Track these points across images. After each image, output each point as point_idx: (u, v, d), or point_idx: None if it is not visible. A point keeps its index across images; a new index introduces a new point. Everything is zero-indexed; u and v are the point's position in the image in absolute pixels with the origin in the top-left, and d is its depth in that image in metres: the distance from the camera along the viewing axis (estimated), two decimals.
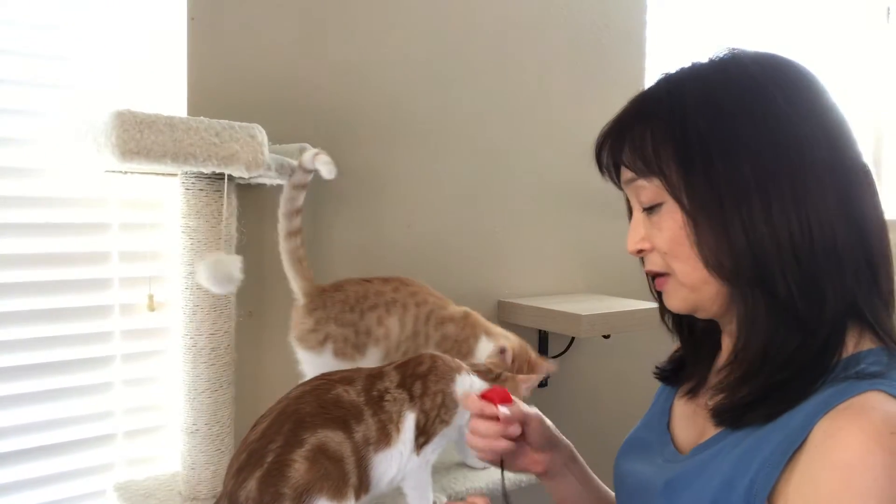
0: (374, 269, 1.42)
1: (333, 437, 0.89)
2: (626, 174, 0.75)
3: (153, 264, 1.20)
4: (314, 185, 1.30)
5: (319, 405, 0.92)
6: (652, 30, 1.87)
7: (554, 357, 1.69)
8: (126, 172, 1.12)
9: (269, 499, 0.85)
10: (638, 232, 0.76)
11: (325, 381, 0.95)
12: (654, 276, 0.78)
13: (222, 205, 1.07)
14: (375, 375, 0.96)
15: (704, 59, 0.73)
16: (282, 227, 1.15)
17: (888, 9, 2.54)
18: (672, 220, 0.71)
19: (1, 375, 1.09)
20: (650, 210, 0.74)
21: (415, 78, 1.46)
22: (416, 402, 0.94)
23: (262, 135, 1.00)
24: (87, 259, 1.15)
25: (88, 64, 1.14)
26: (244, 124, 0.99)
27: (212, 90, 1.22)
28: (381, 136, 1.42)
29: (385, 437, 0.92)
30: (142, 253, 1.19)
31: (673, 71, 0.75)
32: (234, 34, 1.24)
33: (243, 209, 1.21)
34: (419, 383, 0.96)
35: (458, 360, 1.01)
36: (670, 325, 0.87)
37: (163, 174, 1.14)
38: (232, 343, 1.12)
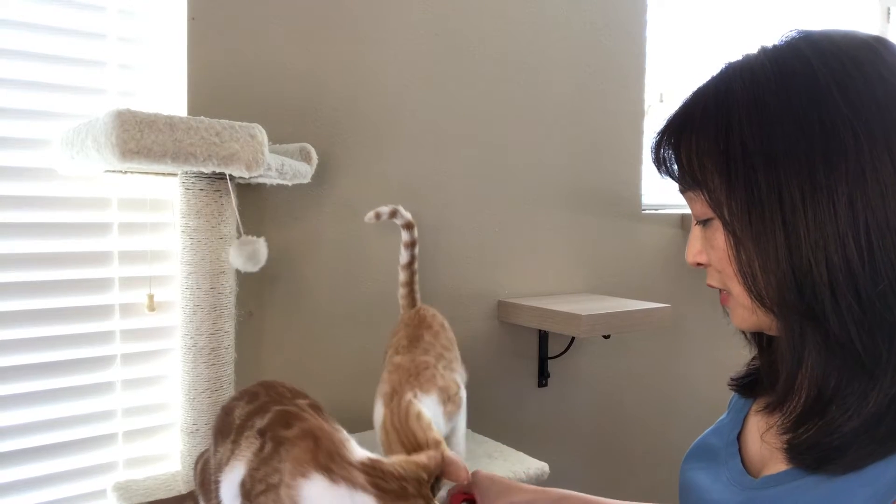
0: (375, 268, 1.42)
1: (211, 447, 0.83)
2: (678, 181, 0.69)
3: (153, 264, 1.20)
4: (314, 185, 1.30)
5: (224, 407, 0.84)
6: (652, 30, 1.87)
7: (554, 357, 1.69)
8: (126, 172, 1.12)
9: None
10: (694, 245, 0.70)
11: (250, 389, 0.84)
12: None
13: (225, 204, 1.07)
14: (264, 409, 0.77)
15: (768, 45, 0.65)
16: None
17: (888, 9, 2.54)
18: (720, 238, 0.64)
19: (1, 375, 1.09)
20: (704, 223, 0.67)
21: (415, 78, 1.46)
22: (253, 461, 0.71)
23: (262, 135, 1.00)
24: (88, 259, 1.15)
25: (88, 64, 1.14)
26: (244, 124, 0.99)
27: (212, 90, 1.22)
28: (381, 135, 1.42)
29: (219, 473, 0.77)
30: (142, 253, 1.19)
31: (734, 59, 0.66)
32: (234, 34, 1.24)
33: (243, 209, 1.21)
34: (271, 444, 0.71)
35: (339, 458, 0.69)
36: (747, 335, 0.78)
37: (163, 174, 1.14)
38: (232, 343, 1.12)
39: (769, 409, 0.72)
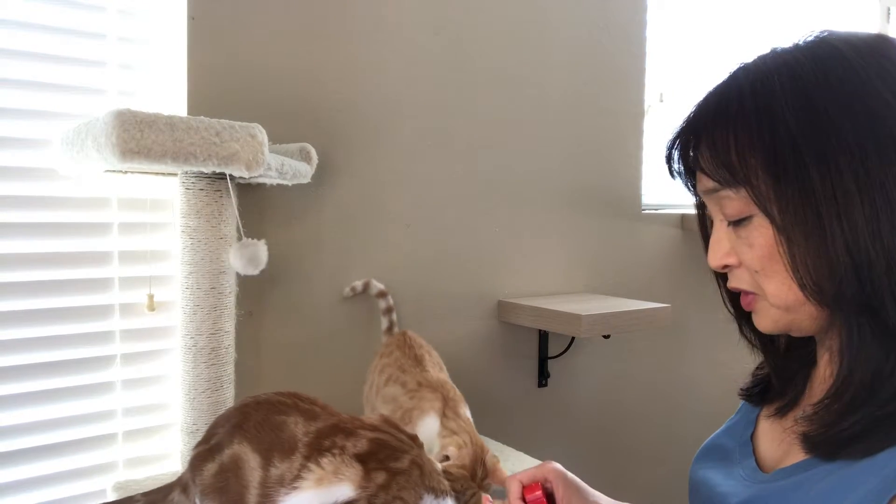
0: (375, 269, 1.42)
1: (250, 460, 0.83)
2: (707, 183, 0.67)
3: (153, 264, 1.20)
4: (314, 186, 1.30)
5: (264, 419, 0.85)
6: (652, 30, 1.87)
7: (554, 357, 1.69)
8: (126, 172, 1.12)
9: (193, 483, 0.88)
10: (722, 246, 0.68)
11: (288, 401, 0.88)
12: (738, 293, 0.71)
13: (225, 204, 1.07)
14: (344, 430, 0.82)
15: (787, 44, 0.65)
16: None
17: (888, 9, 2.54)
18: (763, 236, 0.63)
19: (1, 375, 1.09)
20: (737, 223, 0.66)
21: (415, 78, 1.46)
22: (368, 488, 0.77)
23: (262, 134, 1.00)
24: (88, 259, 1.15)
25: (88, 64, 1.14)
26: (244, 124, 0.99)
27: (212, 90, 1.22)
28: (381, 135, 1.42)
29: (290, 487, 0.79)
30: (142, 253, 1.19)
31: (750, 60, 0.66)
32: (234, 34, 1.24)
33: (243, 209, 1.21)
34: (383, 474, 0.78)
35: (435, 474, 0.82)
36: (753, 341, 0.78)
37: (163, 174, 1.14)
38: (232, 343, 1.12)
39: (780, 413, 0.73)
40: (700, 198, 0.72)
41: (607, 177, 1.80)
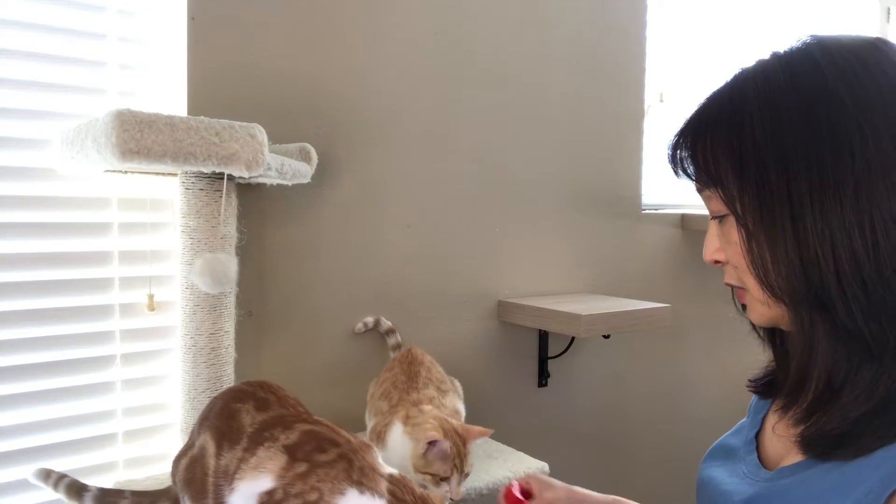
0: (375, 268, 1.42)
1: (209, 447, 0.84)
2: (696, 179, 0.72)
3: (153, 264, 1.20)
4: (314, 185, 1.30)
5: (224, 406, 0.87)
6: (652, 30, 1.87)
7: (554, 357, 1.69)
8: (126, 172, 1.12)
9: (174, 482, 0.89)
10: (712, 243, 0.72)
11: (249, 389, 0.89)
12: (734, 287, 0.74)
13: (221, 204, 1.07)
14: (284, 422, 0.82)
15: (780, 50, 0.68)
16: None
17: (888, 9, 2.54)
18: (735, 234, 0.67)
19: (1, 375, 1.09)
20: (720, 220, 0.71)
21: (415, 78, 1.46)
22: (285, 477, 0.77)
23: (262, 134, 1.00)
24: (88, 259, 1.15)
25: (88, 64, 1.14)
26: (244, 124, 0.99)
27: (212, 90, 1.22)
28: (381, 135, 1.42)
29: (232, 479, 0.80)
30: (142, 253, 1.19)
31: (748, 65, 0.69)
32: (234, 34, 1.24)
33: (243, 209, 1.21)
34: (305, 465, 0.77)
35: (371, 472, 0.78)
36: (761, 335, 0.80)
37: (163, 174, 1.14)
38: (232, 343, 1.12)
39: (785, 409, 0.73)
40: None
41: (607, 177, 1.80)
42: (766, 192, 0.63)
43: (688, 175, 0.74)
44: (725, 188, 0.66)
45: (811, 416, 0.64)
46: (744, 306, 0.74)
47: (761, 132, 0.63)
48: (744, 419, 0.87)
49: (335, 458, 0.78)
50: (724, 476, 0.78)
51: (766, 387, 0.81)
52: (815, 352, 0.63)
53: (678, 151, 0.73)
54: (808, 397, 0.65)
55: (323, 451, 0.79)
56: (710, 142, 0.68)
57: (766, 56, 0.69)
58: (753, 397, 0.87)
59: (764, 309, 0.69)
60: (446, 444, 1.01)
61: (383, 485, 0.77)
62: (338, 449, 0.79)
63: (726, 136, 0.66)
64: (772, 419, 0.79)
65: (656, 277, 1.91)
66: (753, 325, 0.79)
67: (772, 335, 0.79)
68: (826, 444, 0.63)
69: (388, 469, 0.81)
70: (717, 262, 0.73)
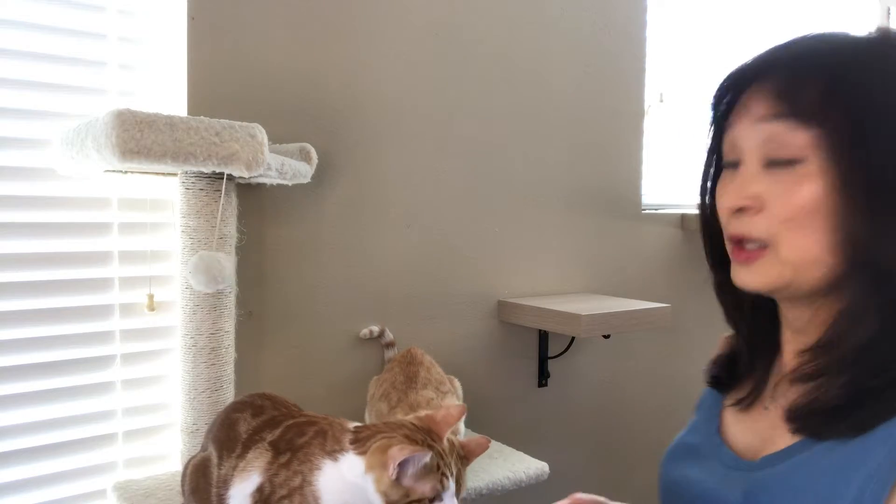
0: (375, 268, 1.42)
1: (213, 457, 0.86)
2: (764, 108, 0.63)
3: (153, 264, 1.20)
4: (313, 185, 1.30)
5: (226, 416, 0.89)
6: (652, 30, 1.87)
7: (554, 357, 1.69)
8: (126, 172, 1.12)
9: (182, 492, 0.93)
10: (749, 187, 0.64)
11: (248, 399, 0.90)
12: (737, 243, 0.66)
13: (219, 203, 1.07)
14: (273, 423, 0.84)
15: (848, 33, 0.63)
16: None
17: (888, 9, 2.54)
18: (812, 184, 0.60)
19: (1, 375, 1.09)
20: (779, 164, 0.62)
21: (414, 78, 1.46)
22: (270, 470, 0.78)
23: (262, 134, 1.00)
24: (88, 259, 1.15)
25: (88, 64, 1.14)
26: (244, 124, 0.99)
27: (212, 90, 1.22)
28: (380, 135, 1.42)
29: (228, 487, 0.82)
30: (142, 253, 1.19)
31: (820, 32, 0.64)
32: (234, 34, 1.24)
33: (243, 209, 1.21)
34: (288, 454, 0.79)
35: (340, 435, 0.79)
36: (731, 309, 0.76)
37: (163, 174, 1.14)
38: (232, 343, 1.12)
39: (744, 405, 0.73)
40: (726, 131, 0.67)
41: (607, 177, 1.80)
42: (889, 167, 0.58)
43: (725, 105, 0.67)
44: (833, 133, 0.59)
45: (822, 382, 0.61)
46: (724, 265, 0.70)
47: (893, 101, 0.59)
48: (693, 418, 0.85)
49: (312, 435, 0.79)
50: (698, 475, 0.75)
51: (727, 379, 0.80)
52: (862, 321, 0.60)
53: (741, 75, 0.66)
54: (822, 360, 0.62)
55: (302, 434, 0.80)
56: (820, 80, 0.60)
57: (838, 34, 0.63)
58: (702, 394, 0.87)
59: (786, 270, 0.63)
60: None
61: (347, 438, 0.77)
62: (315, 427, 0.80)
63: (848, 83, 0.60)
64: (731, 415, 0.77)
65: (656, 277, 1.91)
66: (720, 298, 0.76)
67: (741, 313, 0.76)
68: (820, 416, 0.61)
69: (351, 425, 0.81)
70: (742, 208, 0.65)
